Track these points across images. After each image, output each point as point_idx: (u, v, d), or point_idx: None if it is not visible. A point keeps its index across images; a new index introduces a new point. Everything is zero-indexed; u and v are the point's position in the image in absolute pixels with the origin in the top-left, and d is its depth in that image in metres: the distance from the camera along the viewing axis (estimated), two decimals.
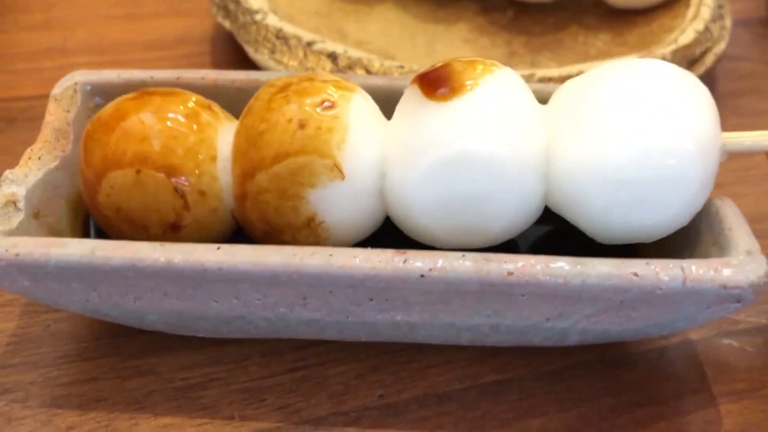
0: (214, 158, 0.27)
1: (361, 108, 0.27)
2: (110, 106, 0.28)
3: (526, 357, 0.30)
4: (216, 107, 0.28)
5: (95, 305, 0.26)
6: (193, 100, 0.28)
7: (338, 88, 0.27)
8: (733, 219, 0.26)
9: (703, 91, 0.27)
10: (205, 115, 0.27)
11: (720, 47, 0.44)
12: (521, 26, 0.49)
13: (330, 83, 0.27)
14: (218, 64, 0.46)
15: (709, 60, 0.43)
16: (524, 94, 0.27)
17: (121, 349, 0.30)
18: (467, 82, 0.26)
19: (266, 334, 0.28)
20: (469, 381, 0.29)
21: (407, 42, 0.46)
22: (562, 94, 0.28)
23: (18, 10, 0.50)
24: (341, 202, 0.26)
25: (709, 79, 0.46)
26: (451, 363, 0.30)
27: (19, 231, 0.26)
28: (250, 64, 0.42)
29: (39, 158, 0.28)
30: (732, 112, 0.45)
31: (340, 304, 0.25)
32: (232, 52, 0.45)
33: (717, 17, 0.45)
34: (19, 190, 0.27)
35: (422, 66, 0.42)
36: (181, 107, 0.27)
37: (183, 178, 0.26)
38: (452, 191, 0.26)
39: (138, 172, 0.26)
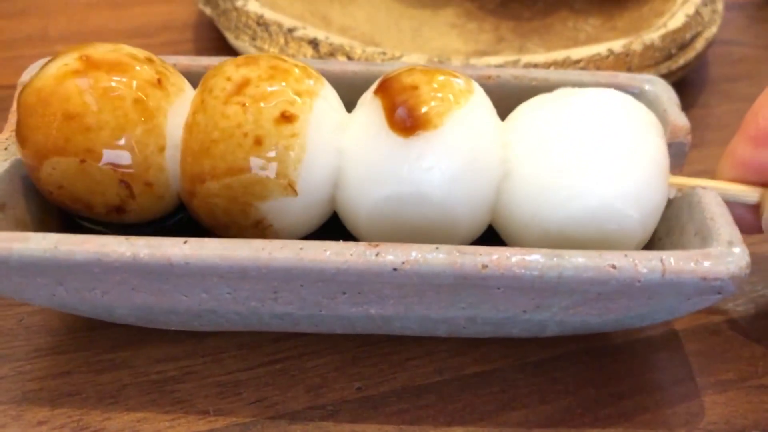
0: (162, 148, 0.26)
1: (321, 118, 0.26)
2: (50, 77, 0.26)
3: (509, 348, 0.29)
4: (167, 78, 0.27)
5: (62, 300, 0.25)
6: (142, 75, 0.26)
7: (300, 91, 0.26)
8: (715, 208, 0.25)
9: (656, 133, 0.27)
10: (154, 98, 0.26)
11: (711, 31, 0.43)
12: (510, 11, 0.48)
13: (293, 80, 0.26)
14: (200, 51, 0.45)
15: (699, 44, 0.42)
16: (489, 126, 0.26)
17: (95, 342, 0.29)
18: (434, 120, 0.25)
19: (239, 327, 0.27)
20: (450, 373, 0.29)
21: (393, 28, 0.46)
22: (522, 120, 0.27)
23: None
24: (292, 211, 0.26)
25: (701, 63, 0.46)
26: (431, 355, 0.29)
27: None
28: (231, 52, 0.42)
29: (5, 149, 0.27)
30: (724, 96, 0.45)
31: (313, 297, 0.24)
32: (215, 39, 0.45)
33: (708, 1, 0.44)
34: None
35: (407, 52, 0.41)
36: (132, 84, 0.26)
37: (129, 170, 0.25)
38: (402, 220, 0.26)
39: (82, 161, 0.25)
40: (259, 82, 0.25)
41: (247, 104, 0.25)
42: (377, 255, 0.23)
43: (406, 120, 0.25)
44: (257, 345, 0.29)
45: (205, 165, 0.25)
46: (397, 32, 0.45)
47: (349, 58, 0.37)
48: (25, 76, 0.30)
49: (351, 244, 0.23)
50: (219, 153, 0.25)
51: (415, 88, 0.25)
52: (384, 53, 0.37)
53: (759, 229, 0.28)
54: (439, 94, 0.25)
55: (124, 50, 0.27)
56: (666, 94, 0.30)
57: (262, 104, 0.25)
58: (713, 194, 0.26)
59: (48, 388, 0.27)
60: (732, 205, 0.27)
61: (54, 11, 0.48)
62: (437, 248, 0.23)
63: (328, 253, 0.23)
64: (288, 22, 0.39)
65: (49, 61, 0.26)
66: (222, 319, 0.26)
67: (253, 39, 0.39)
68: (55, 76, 0.25)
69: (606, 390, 0.28)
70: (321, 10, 0.46)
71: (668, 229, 0.27)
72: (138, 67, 0.26)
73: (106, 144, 0.25)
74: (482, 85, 0.28)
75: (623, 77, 0.31)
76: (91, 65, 0.26)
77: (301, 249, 0.23)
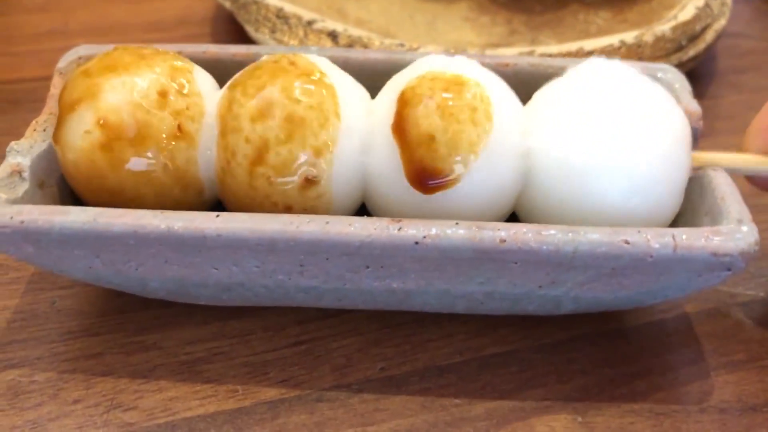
0: (201, 191, 0.28)
1: (343, 168, 0.27)
2: (81, 150, 0.27)
3: (526, 329, 0.30)
4: (186, 114, 0.27)
5: (98, 272, 0.26)
6: (162, 129, 0.27)
7: (319, 148, 0.26)
8: (725, 188, 0.26)
9: (675, 106, 0.28)
10: (180, 154, 0.27)
11: (720, 23, 0.44)
12: (522, 4, 0.49)
13: (311, 134, 0.26)
14: (219, 43, 0.46)
15: (709, 36, 0.43)
16: (509, 145, 0.27)
17: (125, 325, 0.30)
18: (453, 181, 0.26)
19: (266, 301, 0.28)
20: (470, 354, 0.29)
21: (407, 21, 0.47)
22: (541, 105, 0.28)
23: None
24: None
25: (710, 55, 0.46)
26: (451, 336, 0.30)
27: (23, 200, 0.26)
28: (252, 44, 0.42)
29: (44, 130, 0.28)
30: (732, 88, 0.46)
31: (337, 271, 0.25)
32: (234, 32, 0.45)
33: None
34: (24, 161, 0.27)
35: (423, 44, 0.42)
36: (158, 152, 0.27)
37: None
38: None
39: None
40: (278, 147, 0.26)
41: (271, 178, 0.26)
42: (399, 230, 0.24)
43: (425, 183, 0.26)
44: (282, 327, 0.30)
45: None
46: (411, 25, 0.46)
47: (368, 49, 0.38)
48: (62, 63, 0.32)
49: (375, 219, 0.24)
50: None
51: (431, 139, 0.25)
52: (402, 45, 0.38)
53: None
54: (458, 143, 0.26)
55: (137, 88, 0.27)
56: (679, 82, 0.31)
57: (286, 178, 0.26)
58: (723, 175, 0.27)
59: (82, 369, 0.29)
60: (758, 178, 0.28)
61: (74, 6, 0.49)
62: (457, 224, 0.24)
63: (352, 227, 0.24)
64: (307, 14, 0.40)
65: (67, 112, 0.27)
66: (249, 293, 0.27)
67: (273, 32, 0.40)
68: (83, 149, 0.27)
69: (621, 370, 0.29)
70: (337, 3, 0.47)
71: (680, 209, 0.28)
72: (156, 119, 0.27)
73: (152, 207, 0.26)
74: (499, 72, 0.29)
75: (637, 66, 0.32)
76: (112, 134, 0.26)
77: (327, 223, 0.24)
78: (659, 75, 0.31)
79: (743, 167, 0.28)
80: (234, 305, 0.29)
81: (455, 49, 0.40)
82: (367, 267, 0.25)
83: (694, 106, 0.30)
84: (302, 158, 0.26)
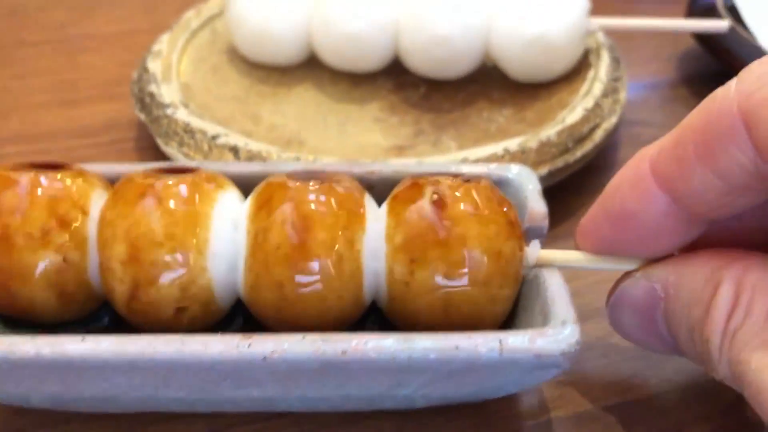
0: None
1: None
2: None
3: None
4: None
5: None
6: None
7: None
8: (555, 289, 0.29)
9: None
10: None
11: (611, 122, 0.47)
12: (431, 103, 0.52)
13: None
14: (142, 150, 0.49)
15: (597, 136, 0.45)
16: None
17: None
18: None
19: (141, 408, 0.30)
20: None
21: (320, 123, 0.50)
22: None
23: None
24: None
25: (612, 144, 0.49)
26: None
27: None
28: (164, 155, 0.45)
29: None
30: None
31: (198, 384, 0.28)
32: (153, 138, 0.48)
33: (610, 91, 0.48)
34: None
35: (329, 151, 0.45)
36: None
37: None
38: None
39: None
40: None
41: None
42: (249, 346, 0.26)
43: None
44: None
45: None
46: (323, 128, 0.49)
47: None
48: None
49: (228, 336, 0.27)
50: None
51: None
52: (298, 158, 0.40)
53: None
54: None
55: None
56: (530, 183, 0.34)
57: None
58: (556, 276, 0.30)
59: None
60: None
61: (7, 111, 0.52)
62: (303, 338, 0.26)
63: (206, 346, 0.26)
64: (212, 129, 0.43)
65: None
66: (125, 404, 0.29)
67: (180, 145, 0.43)
68: None
69: None
70: (252, 109, 0.50)
71: (524, 306, 0.31)
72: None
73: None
74: (365, 179, 0.33)
75: (493, 167, 0.35)
76: None
77: (182, 343, 0.26)
78: (509, 175, 0.34)
79: (574, 264, 0.31)
80: (115, 412, 0.31)
81: (360, 155, 0.43)
82: (226, 380, 0.27)
83: (541, 206, 0.33)
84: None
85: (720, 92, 0.26)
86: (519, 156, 0.42)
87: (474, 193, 0.30)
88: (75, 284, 0.30)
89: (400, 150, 0.47)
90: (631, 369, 0.35)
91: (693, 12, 0.57)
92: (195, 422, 0.32)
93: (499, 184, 0.34)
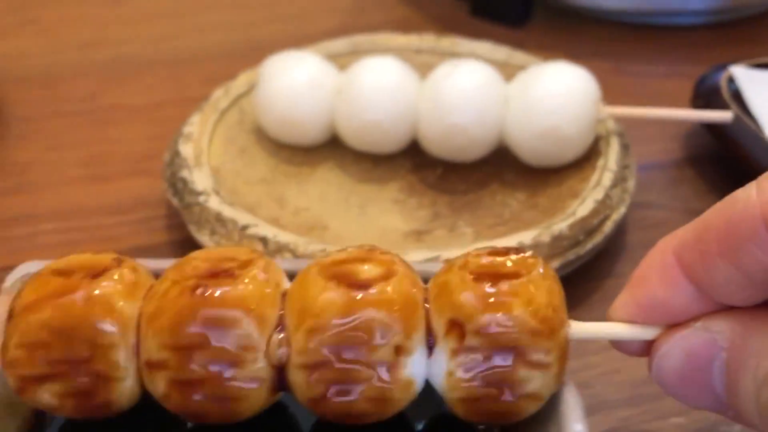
0: None
1: None
2: None
3: None
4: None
5: None
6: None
7: None
8: (570, 407, 0.31)
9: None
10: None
11: (620, 212, 0.48)
12: (447, 184, 0.54)
13: None
14: (171, 228, 0.51)
15: (607, 228, 0.47)
16: None
17: None
18: None
19: None
20: None
21: (341, 205, 0.52)
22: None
23: None
24: None
25: (614, 234, 0.50)
26: None
27: None
28: (195, 242, 0.47)
29: None
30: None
31: None
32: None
33: (619, 180, 0.50)
34: None
35: (351, 236, 0.47)
36: None
37: None
38: None
39: None
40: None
41: None
42: None
43: None
44: None
45: None
46: (345, 210, 0.51)
47: (294, 254, 0.43)
48: (7, 283, 0.35)
49: None
50: None
51: None
52: (324, 250, 0.43)
53: None
54: None
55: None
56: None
57: None
58: (573, 392, 0.32)
59: None
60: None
61: (42, 187, 0.54)
62: None
63: None
64: (243, 219, 0.45)
65: None
66: None
67: (212, 234, 0.45)
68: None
69: None
70: (278, 190, 0.52)
71: (544, 418, 0.32)
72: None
73: None
74: None
75: None
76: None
77: None
78: None
79: (606, 335, 0.33)
80: None
81: (380, 240, 0.45)
82: None
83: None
84: None
85: (741, 196, 0.28)
86: (533, 249, 0.44)
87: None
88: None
89: (418, 235, 0.49)
90: None
91: (698, 93, 0.59)
92: None
93: None
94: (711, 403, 0.31)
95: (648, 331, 0.32)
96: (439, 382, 0.31)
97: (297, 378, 0.31)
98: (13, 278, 0.36)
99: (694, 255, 0.29)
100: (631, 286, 0.32)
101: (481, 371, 0.30)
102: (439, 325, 0.31)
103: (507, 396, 0.31)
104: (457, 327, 0.31)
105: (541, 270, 0.32)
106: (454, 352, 0.31)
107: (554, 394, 0.32)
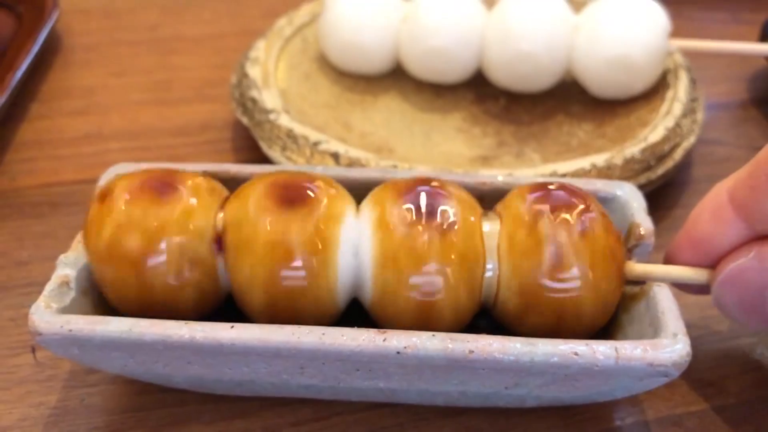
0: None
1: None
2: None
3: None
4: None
5: (131, 369, 0.31)
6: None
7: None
8: (666, 303, 0.31)
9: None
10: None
11: (690, 141, 0.48)
12: (512, 115, 0.54)
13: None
14: (238, 150, 0.51)
15: (677, 155, 0.47)
16: None
17: (144, 422, 0.34)
18: None
19: (271, 393, 0.33)
20: None
21: (405, 131, 0.52)
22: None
23: (61, 97, 0.56)
24: None
25: (685, 163, 0.50)
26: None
27: (71, 307, 0.31)
28: (265, 157, 0.47)
29: None
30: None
31: (332, 373, 0.30)
32: (251, 139, 0.50)
33: (689, 111, 0.49)
34: (71, 272, 0.32)
35: (417, 159, 0.47)
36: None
37: None
38: None
39: None
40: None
41: None
42: (384, 340, 0.28)
43: None
44: (279, 428, 0.34)
45: None
46: (409, 136, 0.51)
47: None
48: (101, 182, 0.36)
49: (363, 330, 0.29)
50: None
51: None
52: (395, 166, 0.43)
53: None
54: None
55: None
56: (635, 201, 0.36)
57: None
58: (666, 291, 0.32)
59: None
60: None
61: (108, 110, 0.55)
62: (433, 335, 0.28)
63: (345, 338, 0.28)
64: (314, 136, 0.45)
65: None
66: (259, 387, 0.32)
67: (284, 149, 0.45)
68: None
69: None
70: (344, 116, 0.52)
71: (630, 319, 0.33)
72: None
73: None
74: (477, 189, 0.36)
75: (600, 183, 0.37)
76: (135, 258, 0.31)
77: (323, 334, 0.28)
78: (618, 192, 0.36)
79: (670, 277, 0.33)
80: (245, 395, 0.34)
81: (447, 164, 0.45)
82: (357, 370, 0.30)
83: (647, 224, 0.34)
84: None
85: None
86: (605, 171, 0.44)
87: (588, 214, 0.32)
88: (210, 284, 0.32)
89: (485, 160, 0.49)
90: (714, 377, 0.37)
91: (766, 33, 0.59)
92: (301, 408, 0.34)
93: (606, 200, 0.35)
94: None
95: (702, 273, 0.33)
96: None
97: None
98: (106, 178, 0.36)
99: (746, 191, 0.30)
100: (686, 225, 0.33)
101: None
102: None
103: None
104: None
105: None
106: None
107: (650, 296, 0.32)
